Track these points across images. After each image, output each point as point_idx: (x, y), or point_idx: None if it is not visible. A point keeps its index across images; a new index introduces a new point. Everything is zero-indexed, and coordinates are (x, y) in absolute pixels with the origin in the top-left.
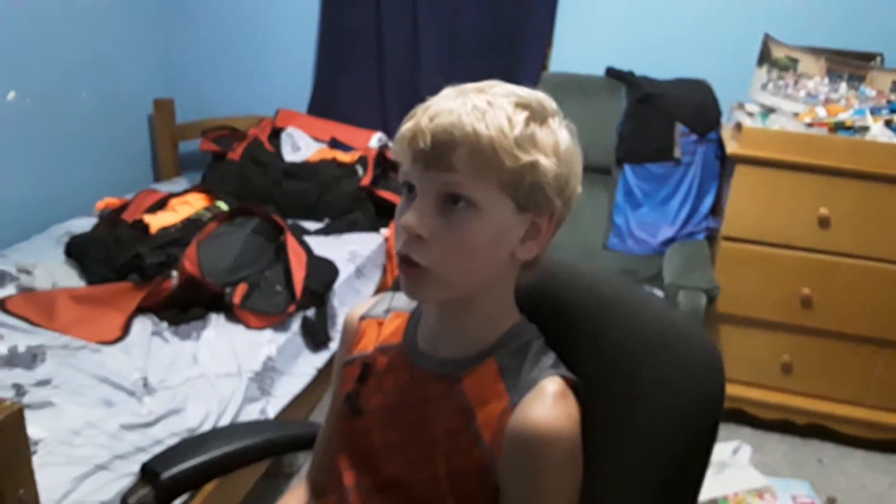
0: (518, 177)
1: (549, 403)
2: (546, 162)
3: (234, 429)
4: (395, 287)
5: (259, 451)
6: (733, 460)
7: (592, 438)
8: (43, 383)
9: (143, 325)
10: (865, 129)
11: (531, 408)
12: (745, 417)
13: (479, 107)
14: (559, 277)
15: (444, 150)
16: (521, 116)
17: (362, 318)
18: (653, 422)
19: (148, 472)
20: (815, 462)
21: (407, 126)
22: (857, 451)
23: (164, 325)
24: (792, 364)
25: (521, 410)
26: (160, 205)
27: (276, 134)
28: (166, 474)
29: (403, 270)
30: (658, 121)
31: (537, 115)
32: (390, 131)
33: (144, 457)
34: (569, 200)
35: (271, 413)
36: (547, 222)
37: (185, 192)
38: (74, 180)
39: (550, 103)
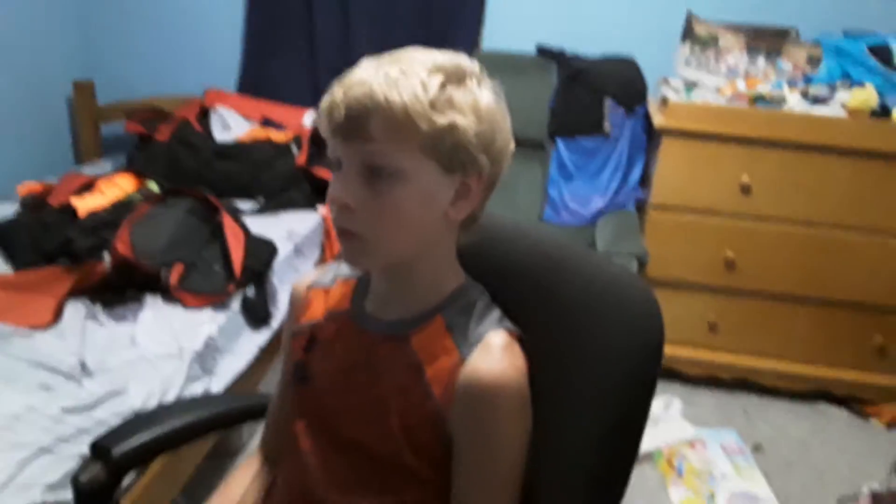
0: (437, 140)
1: (496, 356)
2: (464, 121)
3: (184, 404)
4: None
5: (210, 423)
6: (666, 414)
7: (539, 390)
8: None
9: (76, 310)
10: (783, 100)
11: (480, 361)
12: (675, 374)
13: (391, 75)
14: (502, 237)
15: (359, 120)
16: (436, 80)
17: (309, 287)
18: (597, 369)
19: (99, 449)
20: (741, 412)
21: (324, 100)
22: (780, 402)
23: (98, 308)
24: (717, 323)
25: (470, 364)
26: (87, 188)
27: (204, 114)
28: (118, 450)
29: (341, 240)
30: (588, 96)
31: (453, 78)
32: None
33: (88, 438)
34: (498, 158)
35: (215, 392)
36: (476, 181)
37: (112, 173)
38: None
39: (470, 64)
